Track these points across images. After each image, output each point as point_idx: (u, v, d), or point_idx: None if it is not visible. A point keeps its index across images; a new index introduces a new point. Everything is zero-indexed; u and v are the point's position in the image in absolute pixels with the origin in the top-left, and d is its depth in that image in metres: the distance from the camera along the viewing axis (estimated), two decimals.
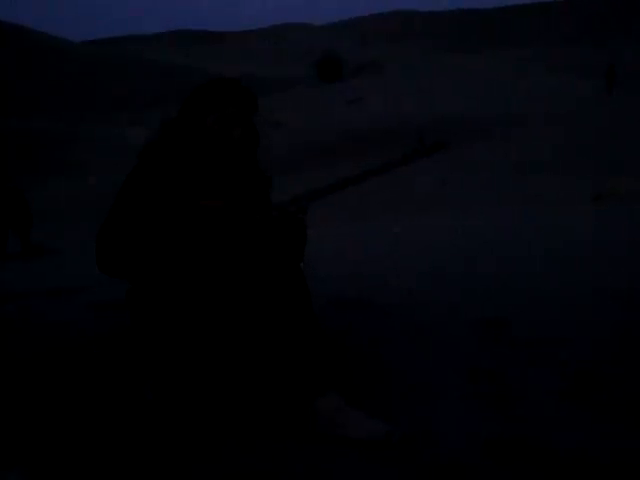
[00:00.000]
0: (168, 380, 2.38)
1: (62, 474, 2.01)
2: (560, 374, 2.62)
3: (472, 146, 20.67)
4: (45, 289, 4.86)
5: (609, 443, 2.09)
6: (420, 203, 15.35)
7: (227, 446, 2.15)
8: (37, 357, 3.00)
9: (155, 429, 2.26)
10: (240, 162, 2.52)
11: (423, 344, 3.03)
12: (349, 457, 2.06)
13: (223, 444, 2.16)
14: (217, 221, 2.36)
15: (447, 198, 15.39)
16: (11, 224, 10.47)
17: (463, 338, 3.10)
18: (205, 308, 2.35)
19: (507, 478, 1.92)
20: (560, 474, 1.93)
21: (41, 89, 42.83)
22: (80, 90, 44.25)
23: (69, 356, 2.99)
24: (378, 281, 4.45)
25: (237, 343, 2.37)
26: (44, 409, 2.46)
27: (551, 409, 2.35)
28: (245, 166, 2.55)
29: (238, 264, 2.36)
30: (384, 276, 4.65)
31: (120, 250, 2.32)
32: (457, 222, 9.45)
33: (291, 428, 2.23)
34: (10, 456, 2.11)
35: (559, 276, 4.35)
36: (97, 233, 2.37)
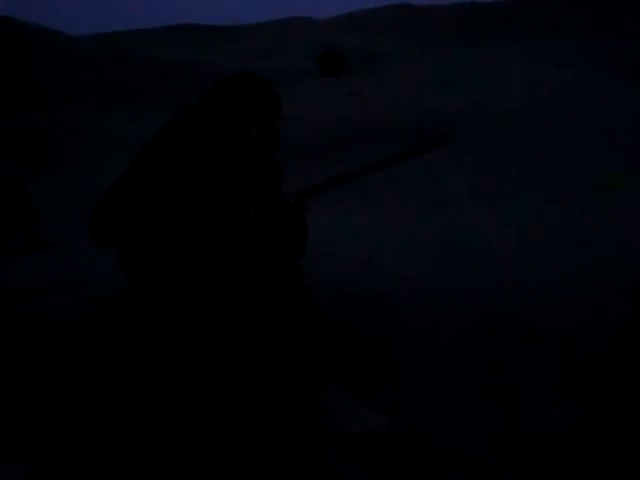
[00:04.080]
0: (170, 375, 2.38)
1: (67, 467, 2.01)
2: (563, 367, 2.62)
3: (473, 141, 20.64)
4: (47, 284, 4.87)
5: (612, 436, 2.09)
6: (421, 198, 15.37)
7: (229, 440, 2.15)
8: (40, 350, 3.00)
9: (159, 422, 2.26)
10: (252, 162, 2.50)
11: (427, 337, 3.03)
12: (350, 451, 2.06)
13: (225, 438, 2.17)
14: (209, 225, 2.33)
15: (446, 194, 15.39)
16: (14, 219, 10.47)
17: (467, 331, 3.10)
18: (204, 304, 2.35)
19: (510, 472, 1.92)
20: (563, 468, 1.93)
21: (39, 84, 42.78)
22: (79, 85, 44.21)
23: (72, 349, 2.99)
24: (382, 275, 4.45)
25: (238, 339, 2.37)
26: (49, 402, 2.46)
27: (554, 402, 2.34)
28: (256, 165, 2.52)
29: (236, 260, 2.35)
30: (387, 270, 4.65)
31: (114, 221, 2.29)
32: (458, 217, 9.45)
33: (294, 422, 2.24)
34: (17, 449, 2.12)
35: (563, 267, 4.35)
36: (99, 199, 2.36)
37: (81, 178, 24.65)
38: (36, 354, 2.98)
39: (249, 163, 2.50)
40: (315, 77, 41.26)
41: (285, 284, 2.29)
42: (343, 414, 2.18)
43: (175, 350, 2.39)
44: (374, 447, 2.07)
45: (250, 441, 2.14)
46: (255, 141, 2.46)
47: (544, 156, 19.02)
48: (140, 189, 2.31)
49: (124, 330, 2.97)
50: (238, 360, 2.39)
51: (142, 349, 2.49)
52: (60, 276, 5.42)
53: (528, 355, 2.77)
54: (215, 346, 2.38)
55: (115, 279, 2.87)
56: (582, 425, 2.17)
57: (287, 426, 2.23)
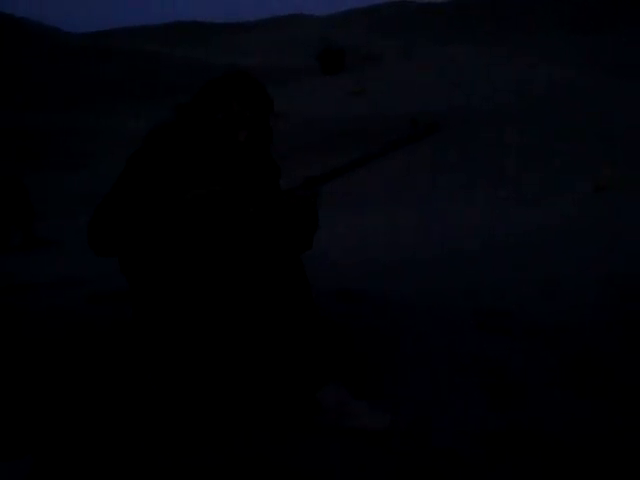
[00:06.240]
0: (171, 373, 2.38)
1: (68, 462, 2.01)
2: (559, 363, 2.63)
3: (471, 137, 20.65)
4: (47, 281, 4.87)
5: (609, 432, 2.09)
6: (418, 194, 15.38)
7: (230, 438, 2.16)
8: (39, 348, 3.00)
9: (160, 419, 2.27)
10: (242, 164, 2.49)
11: (425, 334, 3.03)
12: (350, 448, 2.07)
13: (226, 436, 2.17)
14: (211, 211, 2.32)
15: (440, 189, 15.41)
16: (12, 215, 10.44)
17: (464, 328, 3.10)
18: (204, 301, 2.35)
19: (506, 469, 1.93)
20: (560, 465, 1.93)
21: (37, 82, 42.71)
22: (79, 82, 44.15)
23: (72, 347, 2.99)
24: (381, 272, 4.46)
25: (238, 336, 2.37)
26: (50, 398, 2.46)
27: (551, 399, 2.35)
28: (248, 165, 2.51)
29: (237, 253, 2.35)
30: (387, 267, 4.65)
31: (110, 232, 2.30)
32: (454, 214, 9.45)
33: (294, 420, 2.24)
34: (19, 444, 2.12)
35: (559, 266, 4.36)
36: (95, 209, 2.36)
37: (79, 175, 24.63)
38: (35, 351, 2.98)
39: (240, 166, 2.48)
40: (315, 75, 41.23)
41: (286, 281, 2.29)
42: (343, 411, 2.18)
43: (174, 348, 2.39)
44: (373, 444, 2.07)
45: (250, 439, 2.15)
46: (244, 143, 2.44)
47: (540, 155, 19.03)
48: (133, 199, 2.30)
49: (123, 328, 2.97)
50: (238, 358, 2.39)
51: (141, 347, 2.49)
52: (58, 273, 5.42)
53: (525, 352, 2.78)
54: (215, 344, 2.38)
55: (113, 277, 2.88)
56: (579, 422, 2.17)
57: (287, 423, 2.23)
